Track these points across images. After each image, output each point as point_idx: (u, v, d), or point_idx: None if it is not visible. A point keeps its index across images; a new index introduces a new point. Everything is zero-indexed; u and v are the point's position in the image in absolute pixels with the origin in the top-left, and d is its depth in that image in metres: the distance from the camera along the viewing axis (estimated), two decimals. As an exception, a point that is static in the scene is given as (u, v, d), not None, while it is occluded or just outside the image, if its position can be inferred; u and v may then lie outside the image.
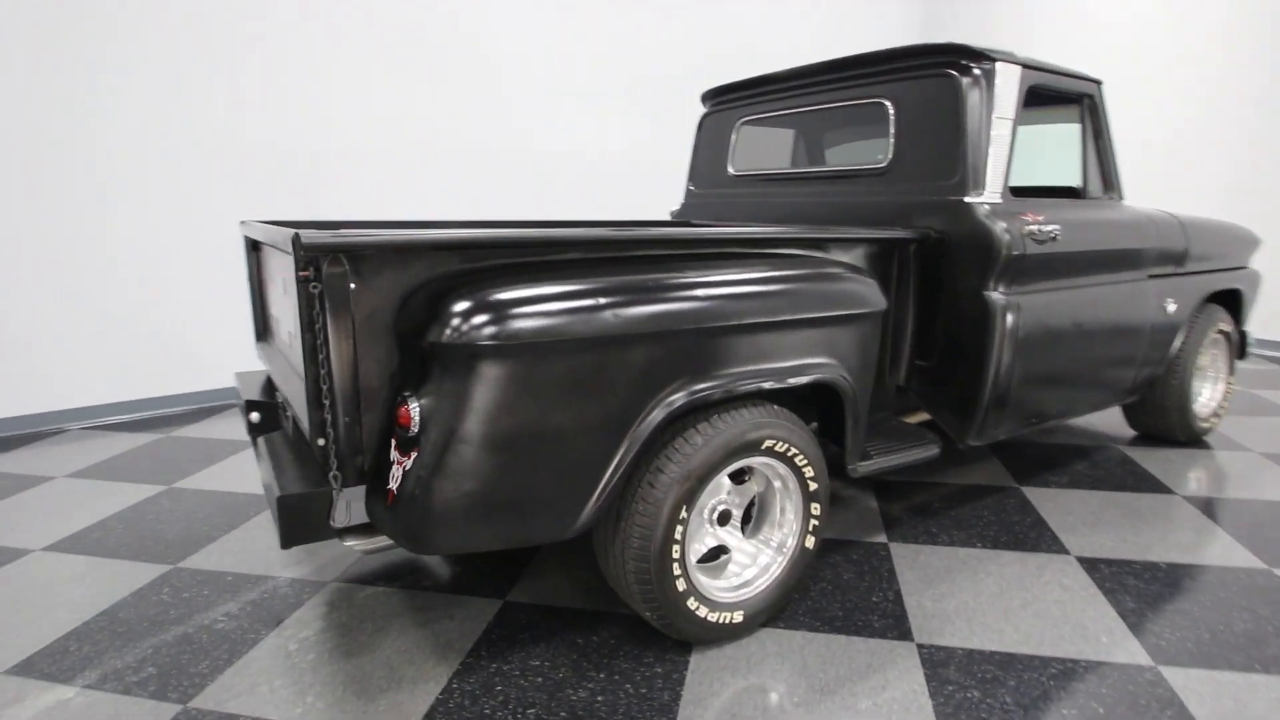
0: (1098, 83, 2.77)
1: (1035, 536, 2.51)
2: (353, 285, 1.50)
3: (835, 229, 2.14)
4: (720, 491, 1.96)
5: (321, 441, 1.54)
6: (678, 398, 1.68)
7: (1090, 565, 2.31)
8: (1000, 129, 2.39)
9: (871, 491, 2.90)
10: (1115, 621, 2.00)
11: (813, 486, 1.97)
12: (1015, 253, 2.31)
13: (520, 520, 1.58)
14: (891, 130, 2.56)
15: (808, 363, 1.90)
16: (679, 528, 1.74)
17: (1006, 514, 2.69)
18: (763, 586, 1.96)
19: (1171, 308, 3.02)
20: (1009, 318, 2.34)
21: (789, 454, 1.89)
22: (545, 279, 1.58)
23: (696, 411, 1.80)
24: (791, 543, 2.00)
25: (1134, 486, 2.93)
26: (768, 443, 1.84)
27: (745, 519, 2.08)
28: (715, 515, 1.94)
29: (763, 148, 3.22)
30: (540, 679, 1.79)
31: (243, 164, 4.11)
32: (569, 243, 1.70)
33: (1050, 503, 2.78)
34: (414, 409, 1.51)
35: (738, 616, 1.90)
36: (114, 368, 3.94)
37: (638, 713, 1.66)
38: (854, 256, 2.26)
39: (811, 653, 1.88)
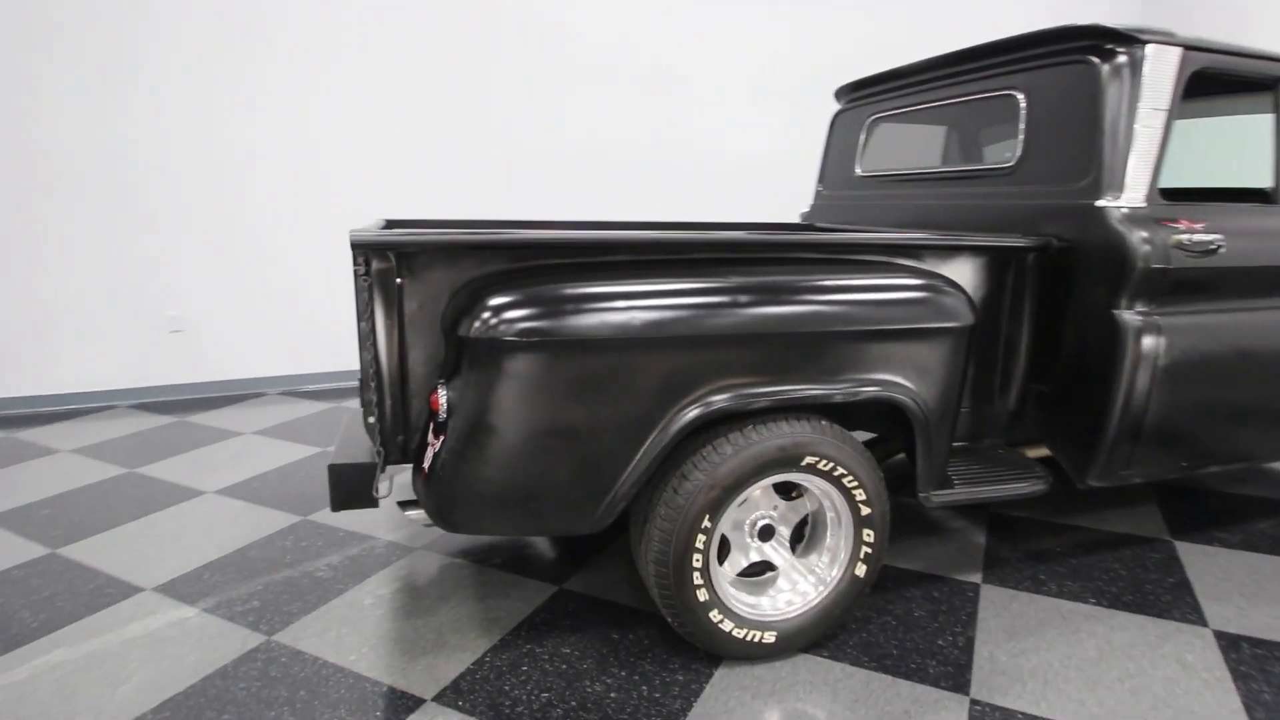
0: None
1: (1169, 600, 2.14)
2: (399, 280, 1.64)
3: (915, 236, 1.97)
4: (764, 505, 1.89)
5: (370, 420, 1.71)
6: (697, 407, 1.65)
7: (1230, 643, 1.92)
8: (1148, 122, 2.05)
9: (984, 526, 2.62)
10: (1236, 714, 1.66)
11: (865, 511, 1.83)
12: (1155, 266, 1.98)
13: (536, 511, 1.64)
14: (1021, 125, 2.30)
15: (864, 378, 1.78)
16: (701, 536, 1.71)
17: (1143, 570, 2.31)
18: (802, 610, 1.86)
19: None
20: (1145, 342, 2.01)
21: (836, 473, 1.78)
22: (580, 280, 1.63)
23: (731, 420, 1.75)
24: (838, 569, 1.88)
25: (1336, 558, 2.39)
26: (809, 459, 1.75)
27: (800, 537, 1.99)
28: (757, 529, 1.88)
29: (894, 147, 3.01)
30: (565, 666, 1.84)
31: (436, 164, 4.57)
32: (610, 245, 1.73)
33: (1205, 563, 2.34)
34: (443, 396, 1.63)
35: (769, 637, 1.83)
36: (309, 345, 4.57)
37: (644, 715, 1.66)
38: (957, 266, 2.06)
39: (846, 688, 1.76)
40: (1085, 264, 2.08)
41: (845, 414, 2.21)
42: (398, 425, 1.71)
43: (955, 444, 2.29)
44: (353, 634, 1.99)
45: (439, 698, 1.73)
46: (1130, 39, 2.04)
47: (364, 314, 1.64)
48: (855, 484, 1.80)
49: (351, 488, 1.72)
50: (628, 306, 1.60)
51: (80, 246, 4.01)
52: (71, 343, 4.09)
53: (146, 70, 3.98)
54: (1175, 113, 2.08)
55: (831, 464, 1.77)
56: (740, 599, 1.85)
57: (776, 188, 5.34)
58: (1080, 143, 2.12)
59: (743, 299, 1.67)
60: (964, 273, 2.09)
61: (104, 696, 1.74)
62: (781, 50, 5.28)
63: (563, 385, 1.58)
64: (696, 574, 1.73)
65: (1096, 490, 2.91)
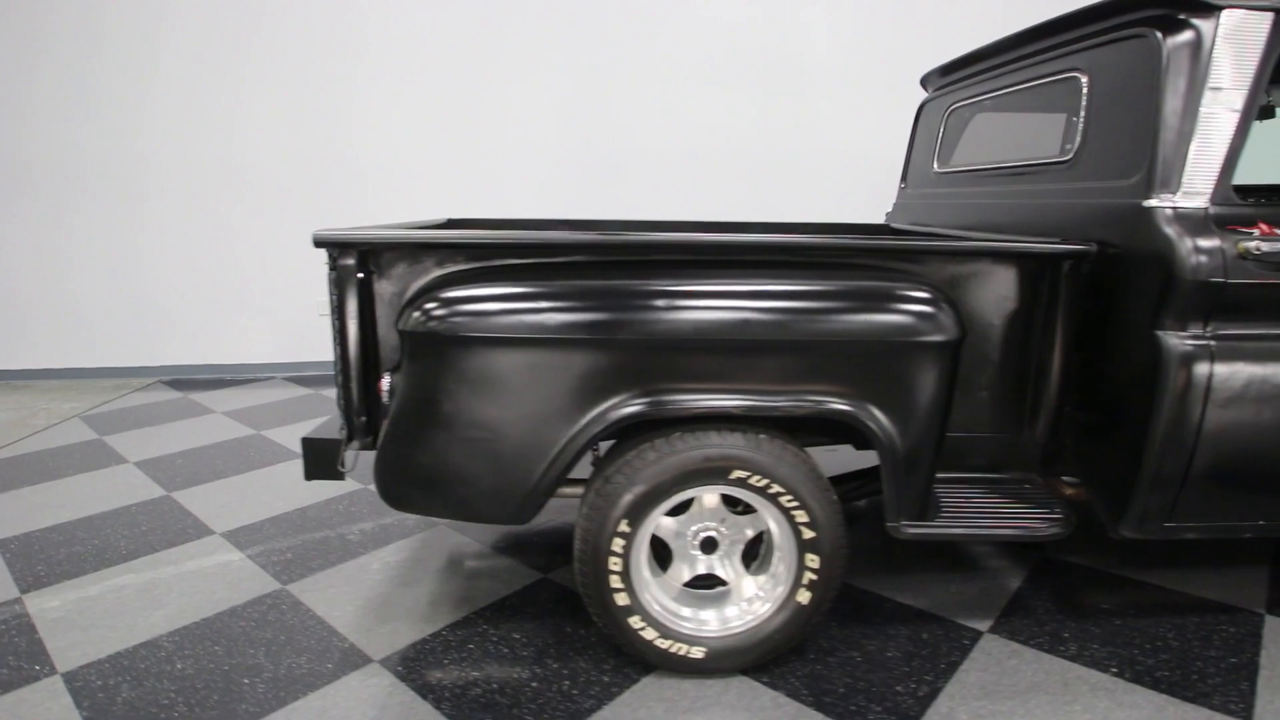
0: None
1: (1215, 683, 1.77)
2: (360, 275, 1.80)
3: (903, 240, 1.79)
4: (713, 517, 1.84)
5: (340, 402, 1.89)
6: (612, 411, 1.64)
7: (1269, 747, 1.56)
8: (1216, 106, 1.70)
9: (1025, 569, 2.31)
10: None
11: (808, 535, 1.71)
12: (1207, 279, 1.65)
13: (461, 497, 1.73)
14: (1082, 111, 2.00)
15: (808, 391, 1.66)
16: (619, 540, 1.70)
17: (1202, 643, 1.92)
18: (737, 630, 1.78)
19: None
20: (1193, 370, 1.68)
21: (771, 491, 1.69)
22: (514, 280, 1.69)
23: (663, 426, 1.72)
24: (779, 591, 1.77)
25: None
26: (738, 473, 1.67)
27: (756, 555, 1.90)
28: (699, 541, 1.83)
29: (975, 139, 2.72)
30: (507, 650, 1.92)
31: (545, 166, 4.83)
32: (553, 246, 1.77)
33: None
34: (385, 383, 1.76)
35: (697, 652, 1.77)
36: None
37: (551, 709, 1.69)
38: (975, 273, 1.85)
39: (767, 716, 1.66)
40: (1130, 274, 1.78)
41: (832, 430, 2.06)
42: (361, 407, 1.88)
43: (980, 474, 2.06)
44: (347, 593, 2.20)
45: (385, 660, 1.88)
46: (1202, 6, 1.71)
47: (333, 304, 1.82)
48: (795, 504, 1.69)
49: (320, 459, 1.91)
50: (549, 307, 1.63)
51: (256, 241, 4.72)
52: (244, 321, 4.83)
53: (319, 87, 4.59)
54: (1262, 94, 1.71)
55: (766, 481, 1.68)
56: (672, 608, 1.81)
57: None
58: (1135, 132, 1.81)
59: (673, 303, 1.64)
60: (984, 281, 1.86)
61: (141, 617, 2.08)
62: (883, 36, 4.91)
63: (483, 380, 1.65)
64: (614, 577, 1.72)
65: (1189, 543, 2.44)
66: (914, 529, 1.79)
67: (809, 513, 1.70)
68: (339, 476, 1.92)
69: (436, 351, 1.65)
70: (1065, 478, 2.04)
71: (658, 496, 1.69)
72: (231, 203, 4.66)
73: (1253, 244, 1.67)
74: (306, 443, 1.91)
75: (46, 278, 4.64)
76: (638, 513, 1.69)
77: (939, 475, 2.03)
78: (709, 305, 1.64)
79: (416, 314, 1.66)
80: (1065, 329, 1.87)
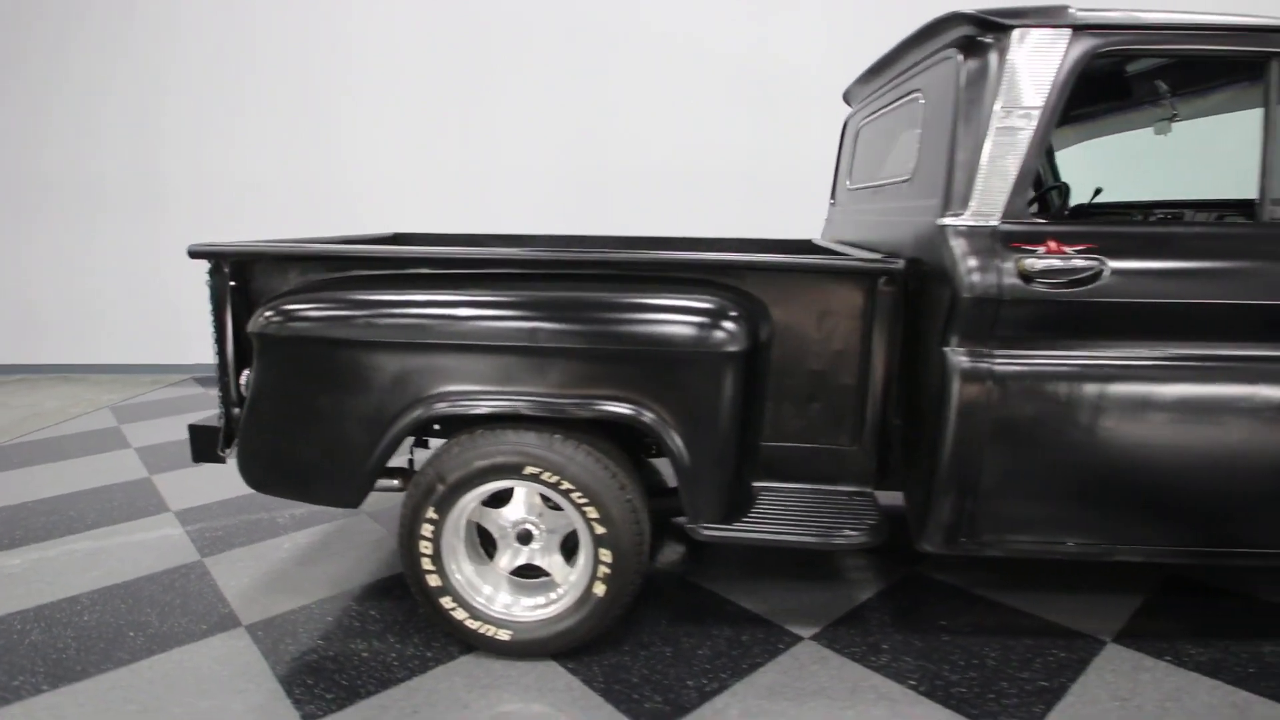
0: (1308, 37, 1.69)
1: (1012, 704, 1.76)
2: (234, 284, 2.05)
3: (684, 255, 1.89)
4: (532, 510, 1.98)
5: (220, 395, 2.15)
6: (420, 408, 1.82)
7: (1017, 764, 1.56)
8: (1007, 125, 1.73)
9: (884, 583, 2.32)
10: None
11: (600, 530, 1.83)
12: (983, 297, 1.68)
13: (301, 481, 1.95)
14: (919, 131, 2.04)
15: (596, 396, 1.79)
16: (427, 526, 1.87)
17: (1022, 666, 1.90)
18: (539, 617, 1.92)
19: None
20: (972, 389, 1.71)
21: (563, 487, 1.82)
22: (352, 289, 1.90)
23: (473, 423, 1.88)
24: (579, 584, 1.89)
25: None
26: (530, 469, 1.81)
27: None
28: (515, 533, 1.98)
29: (868, 155, 2.75)
30: (358, 624, 2.12)
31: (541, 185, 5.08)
32: (383, 259, 1.97)
33: (1106, 676, 1.85)
34: (244, 377, 2.01)
35: (503, 635, 1.91)
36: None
37: (367, 678, 1.88)
38: (790, 289, 1.93)
39: (550, 699, 1.79)
40: (930, 292, 1.82)
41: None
42: (236, 399, 2.13)
43: (815, 484, 2.10)
44: (251, 568, 2.46)
45: (250, 626, 2.12)
46: (996, 26, 1.74)
47: (212, 307, 2.09)
48: (585, 501, 1.82)
49: (203, 445, 2.17)
50: (365, 315, 1.83)
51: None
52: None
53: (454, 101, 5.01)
54: (1058, 111, 1.72)
55: (558, 478, 1.81)
56: (486, 593, 1.96)
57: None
58: (939, 152, 1.85)
59: (474, 313, 1.81)
60: (807, 295, 1.94)
61: (76, 576, 2.41)
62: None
63: (308, 377, 1.87)
64: (426, 559, 1.89)
65: (1069, 568, 2.37)
66: (710, 531, 1.87)
67: (600, 509, 1.82)
68: (221, 460, 2.17)
69: (271, 351, 1.88)
70: (895, 491, 2.07)
71: (461, 488, 1.85)
72: (238, 217, 5.11)
73: (1032, 261, 1.68)
74: (192, 429, 2.17)
75: (107, 281, 5.24)
76: (443, 502, 1.86)
77: (770, 483, 2.09)
78: (505, 315, 1.80)
79: (259, 317, 1.90)
80: (883, 344, 1.92)
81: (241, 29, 4.96)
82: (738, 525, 1.89)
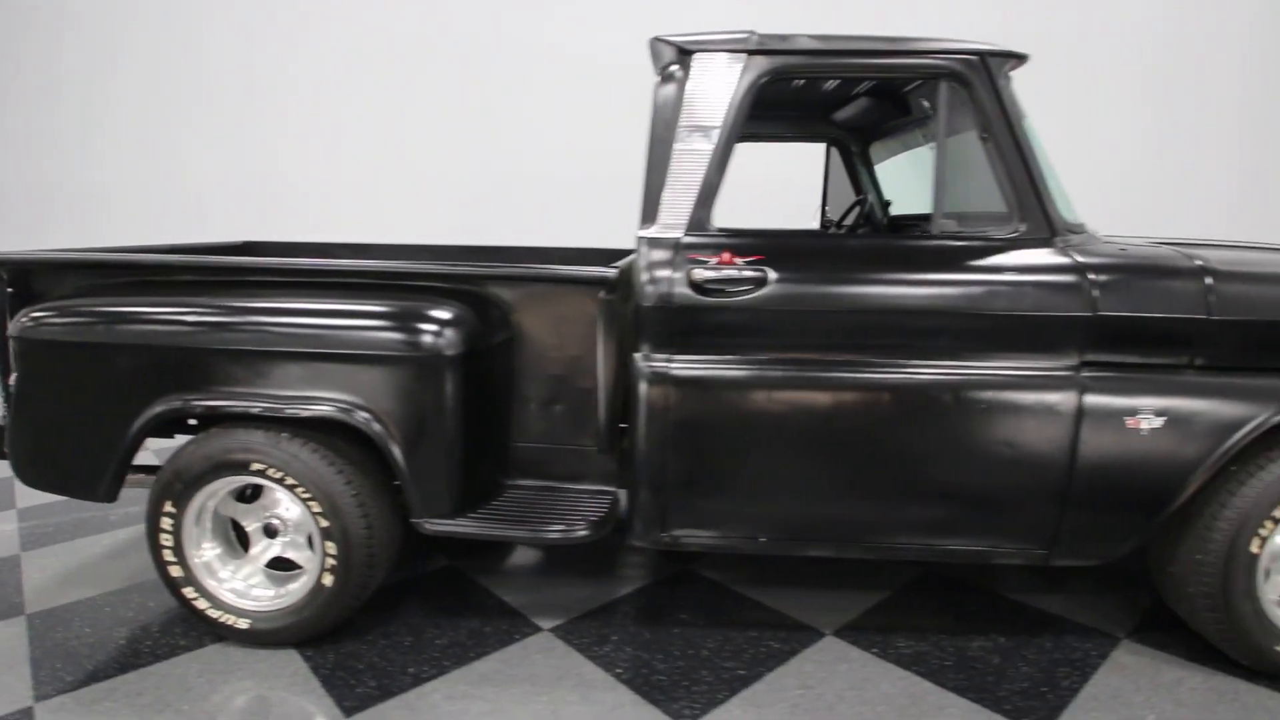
0: (976, 56, 1.80)
1: (701, 691, 1.85)
2: (10, 290, 2.17)
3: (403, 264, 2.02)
4: (278, 506, 2.08)
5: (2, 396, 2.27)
6: (153, 408, 1.93)
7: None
8: (689, 144, 1.84)
9: (649, 579, 2.42)
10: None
11: (324, 524, 1.94)
12: (654, 305, 1.80)
13: (58, 476, 2.06)
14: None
15: (311, 397, 1.90)
16: (166, 519, 1.98)
17: (731, 657, 2.00)
18: (275, 607, 2.02)
19: (1149, 424, 1.74)
20: (655, 391, 1.84)
21: (287, 483, 1.92)
22: (101, 296, 2.02)
23: (212, 421, 1.99)
24: (311, 575, 2.00)
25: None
26: (256, 465, 1.92)
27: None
28: (263, 526, 2.08)
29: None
30: (131, 614, 2.23)
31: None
32: (143, 266, 2.09)
33: (806, 666, 1.94)
34: (13, 378, 2.13)
35: (242, 623, 2.02)
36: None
37: (106, 664, 1.98)
38: (538, 297, 2.07)
39: (269, 684, 1.89)
40: (630, 300, 1.93)
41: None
42: (6, 396, 2.25)
43: (563, 483, 2.21)
44: (59, 562, 2.57)
45: (31, 615, 2.22)
46: (683, 51, 1.85)
47: None
48: (309, 496, 1.92)
49: (-8, 443, 2.29)
50: (107, 320, 1.95)
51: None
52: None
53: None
54: (737, 130, 1.83)
55: (282, 474, 1.92)
56: (234, 585, 2.06)
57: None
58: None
59: (206, 318, 1.93)
60: (544, 303, 2.07)
61: (-109, 568, 2.53)
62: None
63: (57, 378, 1.99)
64: (167, 551, 2.00)
65: (839, 566, 2.46)
66: (434, 525, 1.98)
67: (323, 504, 1.92)
68: (5, 457, 2.29)
69: (26, 354, 2.00)
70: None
71: (196, 483, 1.96)
72: (185, 224, 5.25)
73: (700, 272, 1.78)
74: (-30, 427, 2.29)
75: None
76: (180, 496, 1.97)
77: (526, 481, 2.20)
78: (232, 321, 1.91)
79: (16, 322, 2.02)
80: (606, 350, 2.02)
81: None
82: (460, 521, 1.99)
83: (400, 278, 2.05)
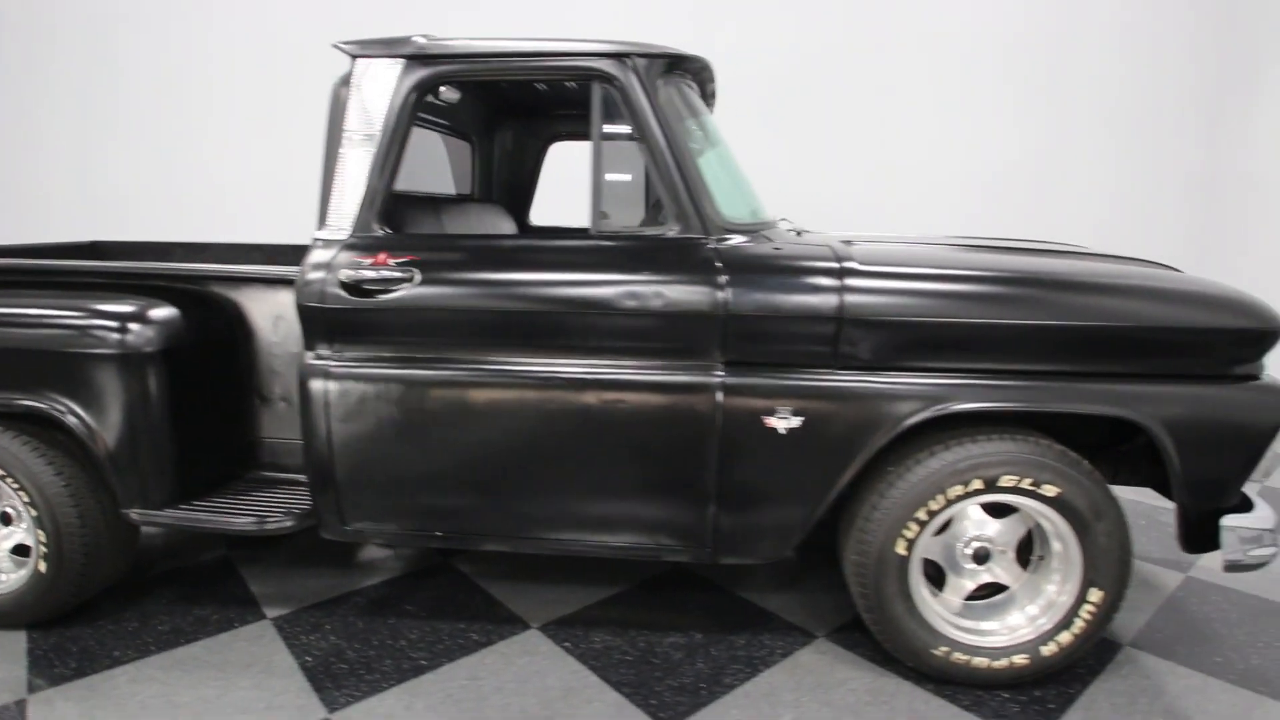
0: (624, 57, 1.81)
1: (344, 673, 1.90)
2: None
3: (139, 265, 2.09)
4: (11, 496, 2.19)
5: None
6: None
7: None
8: (350, 148, 1.89)
9: (453, 579, 2.48)
10: None
11: (33, 513, 2.04)
12: (308, 304, 1.86)
13: None
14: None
15: (15, 393, 1.99)
16: (-20, 509, 2.10)
17: (439, 643, 2.04)
18: (4, 591, 2.12)
19: (787, 424, 1.74)
20: (313, 386, 1.91)
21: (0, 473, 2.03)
22: None
23: None
24: (30, 562, 2.10)
25: None
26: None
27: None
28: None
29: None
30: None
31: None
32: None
33: (488, 659, 1.98)
34: None
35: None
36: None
37: None
38: (255, 298, 2.15)
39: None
40: None
41: None
42: None
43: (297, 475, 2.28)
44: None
45: None
46: (347, 55, 1.90)
47: None
48: (17, 486, 2.03)
49: None
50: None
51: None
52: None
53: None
54: (400, 133, 1.87)
55: (2, 472, 2.02)
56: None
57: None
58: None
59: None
60: (261, 302, 2.15)
61: None
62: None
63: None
64: (-30, 541, 2.12)
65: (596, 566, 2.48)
66: (142, 515, 2.07)
67: (30, 494, 2.03)
68: None
69: None
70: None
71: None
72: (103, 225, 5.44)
73: (350, 272, 1.83)
74: None
75: None
76: (-12, 489, 2.09)
77: (276, 474, 2.29)
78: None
79: None
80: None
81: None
82: (166, 512, 2.07)
83: (125, 278, 2.14)
